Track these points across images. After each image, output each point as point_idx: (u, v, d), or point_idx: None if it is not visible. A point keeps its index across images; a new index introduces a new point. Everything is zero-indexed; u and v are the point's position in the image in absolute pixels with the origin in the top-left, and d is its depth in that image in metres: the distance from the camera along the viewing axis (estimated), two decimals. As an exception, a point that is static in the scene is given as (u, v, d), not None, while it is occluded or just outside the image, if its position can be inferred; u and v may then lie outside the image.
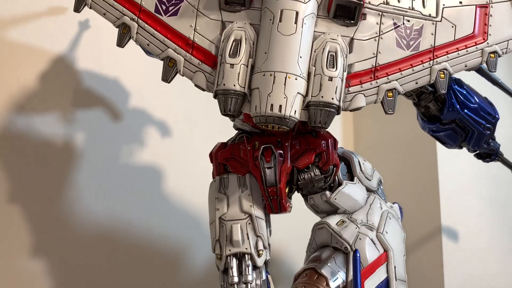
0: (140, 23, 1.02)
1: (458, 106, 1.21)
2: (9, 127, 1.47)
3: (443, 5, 1.05)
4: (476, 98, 1.24)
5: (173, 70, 1.00)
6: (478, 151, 1.36)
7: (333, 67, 0.94)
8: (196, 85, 0.99)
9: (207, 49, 0.99)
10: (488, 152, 1.35)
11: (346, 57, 0.97)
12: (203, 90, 0.99)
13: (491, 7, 1.07)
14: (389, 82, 0.99)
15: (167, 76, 1.00)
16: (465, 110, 1.22)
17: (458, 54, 1.04)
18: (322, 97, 0.92)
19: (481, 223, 1.98)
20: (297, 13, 0.93)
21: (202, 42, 0.99)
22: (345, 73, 0.96)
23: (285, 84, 0.91)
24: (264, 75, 0.92)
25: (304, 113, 0.95)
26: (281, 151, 1.04)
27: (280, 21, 0.93)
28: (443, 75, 1.02)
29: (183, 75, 1.00)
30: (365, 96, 0.98)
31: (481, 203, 2.01)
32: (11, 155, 1.46)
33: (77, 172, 1.57)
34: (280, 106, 0.90)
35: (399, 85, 1.00)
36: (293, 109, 0.92)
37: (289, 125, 0.92)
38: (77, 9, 1.06)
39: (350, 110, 0.98)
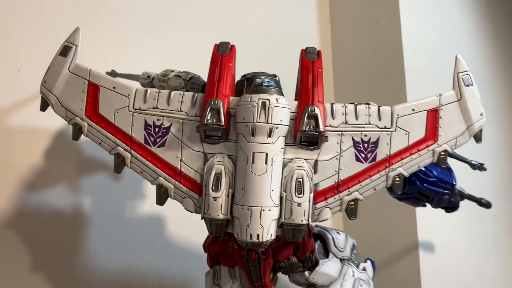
0: (132, 153, 1.16)
1: (418, 182, 1.37)
2: (22, 207, 1.65)
3: (397, 115, 1.18)
4: (434, 172, 1.39)
5: (165, 195, 1.16)
6: (441, 205, 1.53)
7: (301, 193, 1.09)
8: (185, 209, 1.16)
9: (193, 178, 1.14)
10: (449, 206, 1.52)
11: (311, 179, 1.12)
12: (192, 212, 1.15)
13: (441, 109, 1.20)
14: (350, 194, 1.15)
15: (161, 201, 1.16)
16: (425, 184, 1.38)
17: (411, 158, 1.18)
18: (293, 220, 1.09)
19: (457, 230, 2.18)
20: (266, 155, 1.07)
21: (188, 172, 1.14)
22: (312, 194, 1.11)
23: (260, 217, 1.07)
24: (242, 208, 1.08)
25: (279, 230, 1.12)
26: (264, 249, 1.22)
27: (252, 162, 1.07)
28: (398, 179, 1.18)
29: (174, 199, 1.16)
30: (330, 209, 1.15)
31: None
32: (28, 230, 1.65)
33: (88, 234, 1.76)
34: (258, 235, 1.07)
35: (359, 194, 1.16)
36: (269, 234, 1.08)
37: (266, 246, 1.10)
38: (76, 138, 1.20)
39: (318, 221, 1.15)
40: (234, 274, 1.27)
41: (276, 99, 1.09)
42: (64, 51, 1.20)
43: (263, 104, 1.08)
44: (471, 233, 2.19)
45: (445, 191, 1.42)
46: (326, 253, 1.36)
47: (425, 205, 1.49)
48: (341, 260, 1.37)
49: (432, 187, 1.39)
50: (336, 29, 2.52)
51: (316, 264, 1.31)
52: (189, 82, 1.32)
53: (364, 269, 1.43)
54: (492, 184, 2.18)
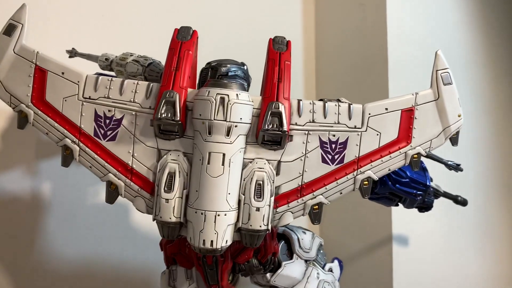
0: (81, 146, 1.06)
1: (390, 183, 1.30)
2: (-24, 191, 1.56)
3: (369, 114, 1.09)
4: (407, 172, 1.32)
5: (116, 193, 1.07)
6: (414, 205, 1.47)
7: (260, 197, 1.01)
8: (137, 209, 1.07)
9: (145, 175, 1.05)
10: (422, 206, 1.46)
11: (273, 182, 1.04)
12: (143, 213, 1.07)
13: (417, 109, 1.12)
14: (315, 197, 1.07)
15: (111, 199, 1.08)
16: (397, 185, 1.31)
17: (382, 160, 1.10)
18: (250, 225, 1.01)
19: (430, 223, 2.14)
20: (224, 155, 0.99)
21: (140, 169, 1.05)
22: (272, 198, 1.04)
23: (215, 222, 0.99)
24: (196, 212, 1.00)
25: (236, 234, 1.04)
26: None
27: (208, 163, 0.99)
28: (366, 182, 1.10)
29: (124, 197, 1.08)
30: (292, 213, 1.07)
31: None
32: (-18, 216, 1.56)
33: (46, 221, 1.68)
34: (212, 241, 0.99)
35: (324, 198, 1.08)
36: (224, 240, 1.01)
37: (221, 252, 1.03)
38: (21, 127, 1.10)
39: (279, 226, 1.08)
40: (191, 275, 1.20)
41: (237, 94, 1.00)
42: (9, 29, 1.09)
43: (222, 100, 0.99)
44: (446, 226, 2.16)
45: (418, 192, 1.35)
46: (291, 253, 1.30)
47: (397, 205, 1.43)
48: (306, 261, 1.31)
49: (404, 188, 1.32)
50: (320, 11, 2.41)
51: (279, 266, 1.25)
52: (148, 69, 1.22)
53: (330, 270, 1.37)
54: (468, 179, 2.12)
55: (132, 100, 1.06)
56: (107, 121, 1.06)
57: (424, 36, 2.03)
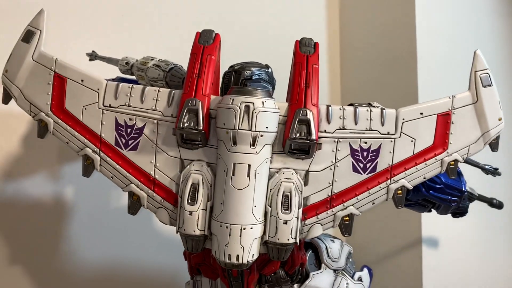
0: (102, 156, 1.03)
1: (423, 189, 1.24)
2: (-1, 196, 1.55)
3: (403, 119, 1.03)
4: (442, 178, 1.25)
5: (138, 204, 1.04)
6: (448, 211, 1.40)
7: (288, 209, 0.96)
8: (160, 220, 1.04)
9: (168, 186, 1.01)
10: (456, 211, 1.39)
11: (301, 193, 0.99)
12: (167, 225, 1.04)
13: (453, 113, 1.05)
14: (345, 208, 1.02)
15: (133, 210, 1.04)
16: (431, 191, 1.25)
17: (417, 168, 1.04)
18: (278, 239, 0.97)
19: (461, 226, 2.05)
20: (249, 166, 0.94)
21: (163, 179, 1.02)
22: (300, 210, 0.99)
23: (241, 236, 0.95)
24: (221, 225, 0.96)
25: (263, 247, 1.00)
26: None
27: (233, 174, 0.94)
28: (400, 192, 1.04)
29: (147, 209, 1.04)
30: (321, 225, 1.02)
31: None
32: (5, 222, 1.56)
33: (70, 225, 1.67)
34: (238, 256, 0.95)
35: (355, 209, 1.02)
36: (251, 254, 0.96)
37: (247, 267, 0.98)
38: (41, 136, 1.08)
39: (307, 239, 1.03)
40: (216, 285, 1.16)
41: (262, 102, 0.94)
42: (27, 36, 1.06)
43: (247, 108, 0.94)
44: (478, 228, 2.07)
45: (453, 198, 1.28)
46: (319, 263, 1.24)
47: (430, 211, 1.37)
48: (335, 270, 1.26)
49: (439, 194, 1.26)
50: (345, 8, 2.33)
51: (307, 276, 1.20)
52: (169, 74, 1.18)
53: (360, 279, 1.31)
54: (501, 180, 2.03)
55: (153, 108, 1.02)
56: (129, 130, 1.03)
57: (454, 31, 1.94)
